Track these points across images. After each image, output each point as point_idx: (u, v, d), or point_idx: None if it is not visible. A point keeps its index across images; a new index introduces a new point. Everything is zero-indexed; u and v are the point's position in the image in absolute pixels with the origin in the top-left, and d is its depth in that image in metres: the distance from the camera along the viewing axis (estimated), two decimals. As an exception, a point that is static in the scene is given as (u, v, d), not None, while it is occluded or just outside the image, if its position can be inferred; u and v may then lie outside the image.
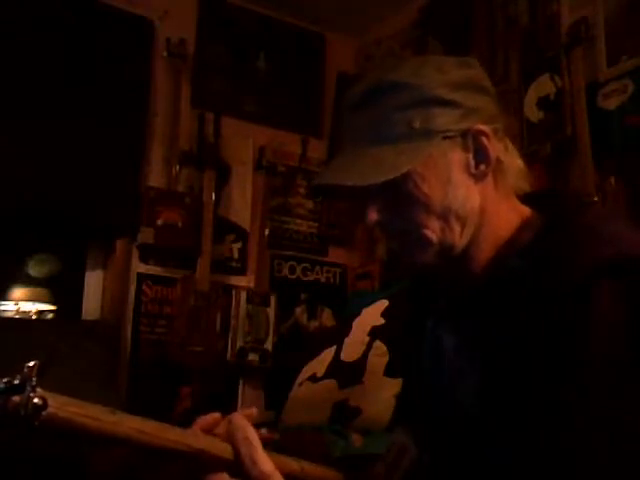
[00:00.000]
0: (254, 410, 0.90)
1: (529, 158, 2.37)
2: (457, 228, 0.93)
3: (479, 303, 0.94)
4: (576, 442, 0.77)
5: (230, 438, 0.82)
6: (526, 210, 0.99)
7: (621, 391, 0.78)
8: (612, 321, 0.80)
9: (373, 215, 0.95)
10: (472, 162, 0.94)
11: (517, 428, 0.82)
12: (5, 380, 0.65)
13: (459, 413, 0.94)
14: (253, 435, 0.82)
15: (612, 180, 2.15)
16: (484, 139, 0.93)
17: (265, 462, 0.80)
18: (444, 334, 1.02)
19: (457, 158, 0.93)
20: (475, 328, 0.95)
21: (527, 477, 0.81)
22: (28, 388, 0.65)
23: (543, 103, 2.46)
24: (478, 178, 0.94)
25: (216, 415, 0.88)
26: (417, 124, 0.91)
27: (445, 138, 0.92)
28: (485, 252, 0.96)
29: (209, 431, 0.85)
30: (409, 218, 0.93)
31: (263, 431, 0.92)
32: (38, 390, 0.66)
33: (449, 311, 1.02)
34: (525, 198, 1.01)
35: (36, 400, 0.65)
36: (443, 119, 0.92)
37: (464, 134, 0.93)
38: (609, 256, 0.83)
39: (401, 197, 0.93)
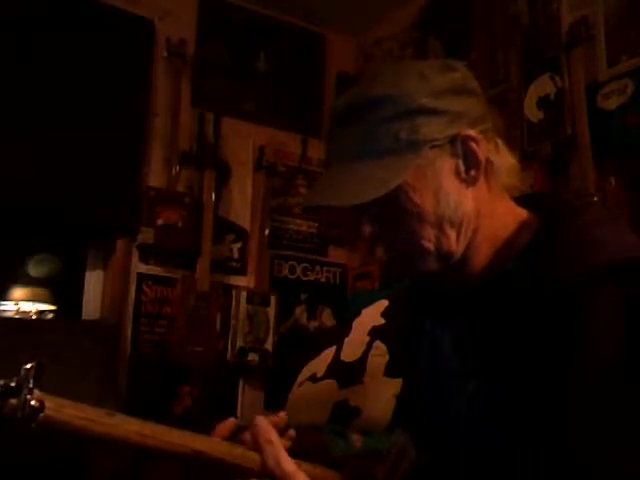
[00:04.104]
0: (284, 415, 0.95)
1: (529, 158, 2.38)
2: (452, 234, 0.93)
3: (478, 305, 0.94)
4: (575, 443, 0.77)
5: (254, 440, 0.85)
6: (522, 212, 0.99)
7: (620, 393, 0.78)
8: (611, 324, 0.80)
9: (367, 228, 0.95)
10: (462, 167, 0.93)
11: (516, 429, 0.82)
12: (1, 383, 0.65)
13: (457, 414, 0.94)
14: (276, 437, 0.85)
15: (612, 180, 2.15)
16: (472, 144, 0.92)
17: (288, 462, 0.83)
18: (443, 335, 1.03)
19: (446, 165, 0.92)
20: (473, 330, 0.95)
21: (527, 477, 0.81)
22: (25, 390, 0.65)
23: (543, 103, 2.45)
24: (469, 182, 0.94)
25: (232, 421, 0.92)
26: (403, 136, 0.90)
27: (433, 147, 0.91)
28: (483, 254, 0.96)
29: (230, 438, 0.89)
30: (403, 229, 0.93)
31: (291, 433, 0.95)
32: (35, 392, 0.65)
33: (448, 312, 1.02)
34: (521, 200, 1.01)
35: (33, 402, 0.65)
36: (429, 128, 0.91)
37: (452, 140, 0.92)
38: (606, 259, 0.83)
39: (394, 209, 0.92)
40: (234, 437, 0.90)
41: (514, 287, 0.89)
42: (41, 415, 0.66)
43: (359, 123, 0.93)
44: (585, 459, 0.76)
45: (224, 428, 0.92)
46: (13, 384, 0.65)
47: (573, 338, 0.80)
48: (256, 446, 0.85)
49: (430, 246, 0.93)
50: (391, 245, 0.96)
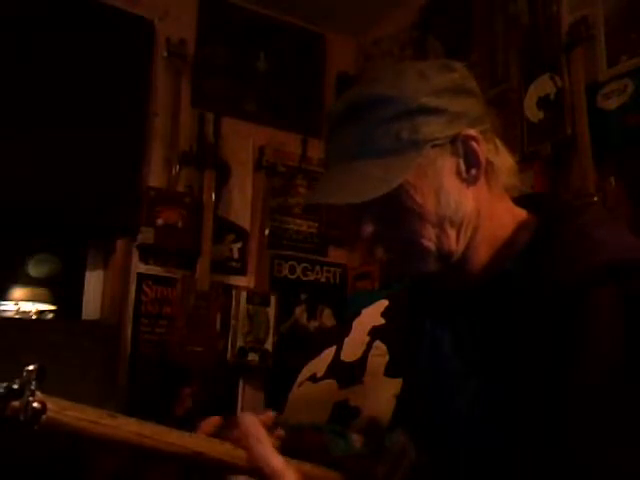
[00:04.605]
0: (271, 414, 0.94)
1: (529, 158, 2.38)
2: (453, 234, 0.93)
3: (478, 305, 0.94)
4: (575, 442, 0.78)
5: (243, 438, 0.84)
6: (522, 212, 0.99)
7: (620, 393, 0.78)
8: (611, 324, 0.80)
9: (368, 228, 0.95)
10: (463, 167, 0.93)
11: (516, 429, 0.83)
12: (4, 385, 0.65)
13: (457, 414, 0.95)
14: (264, 434, 0.85)
15: (612, 180, 2.15)
16: (473, 143, 0.93)
17: (277, 460, 0.83)
18: (443, 335, 1.03)
19: (447, 165, 0.93)
20: (474, 330, 0.95)
21: (527, 477, 0.81)
22: (27, 392, 0.65)
23: (543, 103, 2.45)
24: (470, 182, 0.94)
25: (217, 418, 0.91)
26: (405, 135, 0.90)
27: (434, 146, 0.91)
28: (482, 253, 0.96)
29: (214, 435, 0.88)
30: (404, 228, 0.93)
31: (279, 431, 0.94)
32: (37, 394, 0.65)
33: (448, 312, 1.02)
34: (521, 200, 1.01)
35: (35, 404, 0.65)
36: (430, 128, 0.91)
37: (453, 140, 0.92)
38: (606, 259, 0.84)
39: (395, 208, 0.92)
40: (218, 434, 0.89)
41: (514, 287, 0.89)
42: (43, 417, 0.66)
43: (359, 123, 0.93)
44: (585, 459, 0.77)
45: (208, 425, 0.91)
46: (15, 386, 0.65)
47: (573, 338, 0.80)
48: (244, 444, 0.84)
49: (431, 245, 0.93)
50: (391, 245, 0.96)
